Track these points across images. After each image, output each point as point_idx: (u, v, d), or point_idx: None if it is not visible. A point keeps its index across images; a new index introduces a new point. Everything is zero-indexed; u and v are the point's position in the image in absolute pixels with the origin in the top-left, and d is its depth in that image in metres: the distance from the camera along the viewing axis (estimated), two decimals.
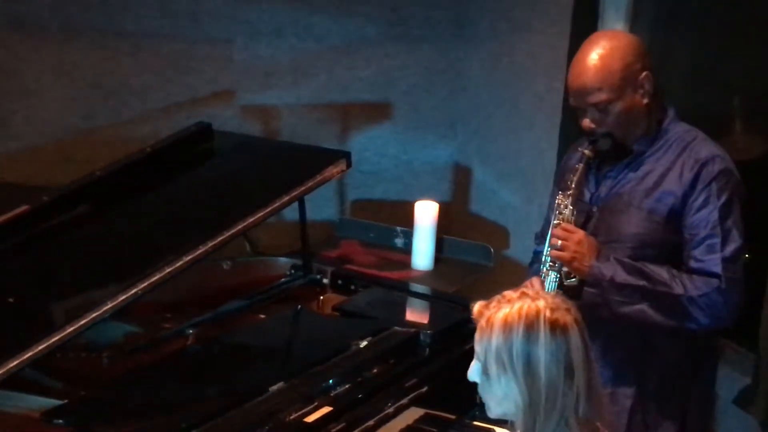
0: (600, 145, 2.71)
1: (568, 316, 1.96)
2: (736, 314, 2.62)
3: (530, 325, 1.93)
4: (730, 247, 2.59)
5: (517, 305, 1.96)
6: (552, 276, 2.69)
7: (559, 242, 2.66)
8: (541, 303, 1.96)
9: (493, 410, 2.03)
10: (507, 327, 1.93)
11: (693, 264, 2.61)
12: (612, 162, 2.76)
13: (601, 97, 2.63)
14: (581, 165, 2.72)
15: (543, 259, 2.73)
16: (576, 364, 1.94)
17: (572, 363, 1.93)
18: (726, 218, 2.59)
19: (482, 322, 1.98)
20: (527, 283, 2.76)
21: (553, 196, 2.81)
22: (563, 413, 1.94)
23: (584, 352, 1.96)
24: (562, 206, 2.72)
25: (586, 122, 2.69)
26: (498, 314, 1.96)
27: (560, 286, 2.68)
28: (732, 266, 2.58)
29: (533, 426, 1.95)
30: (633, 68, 2.64)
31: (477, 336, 2.00)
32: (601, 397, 2.03)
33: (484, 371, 1.98)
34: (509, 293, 2.01)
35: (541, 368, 1.91)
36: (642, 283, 2.60)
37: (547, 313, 1.94)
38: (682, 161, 2.65)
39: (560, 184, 2.81)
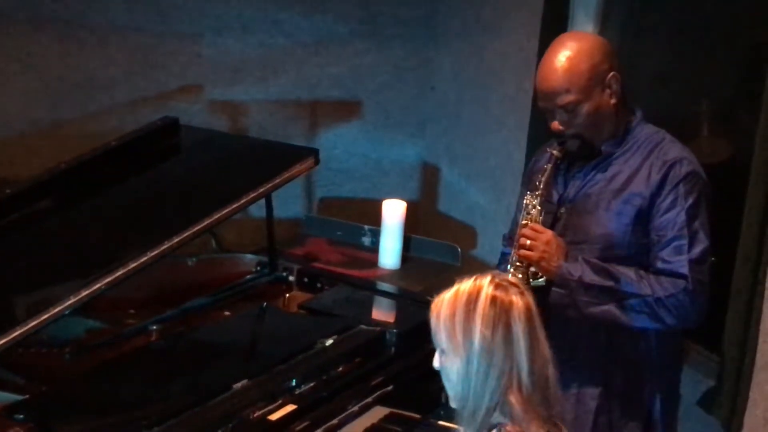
0: (568, 146, 2.71)
1: (515, 296, 2.03)
2: (702, 315, 2.64)
3: (471, 298, 2.03)
4: (697, 249, 2.60)
5: (463, 285, 2.06)
6: (519, 274, 2.69)
7: (528, 242, 2.66)
8: (486, 281, 2.05)
9: (449, 391, 2.09)
10: (452, 301, 2.05)
11: (660, 265, 2.62)
12: (580, 163, 2.76)
13: (569, 98, 2.63)
14: (549, 165, 2.72)
15: (510, 259, 2.73)
16: (517, 338, 2.00)
17: (511, 336, 2.00)
18: (693, 220, 2.60)
19: (432, 305, 2.09)
20: None
21: (521, 198, 2.82)
22: (499, 385, 1.99)
23: (529, 333, 2.02)
24: (530, 206, 2.72)
25: (555, 124, 2.69)
26: (446, 295, 2.07)
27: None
28: (699, 267, 2.59)
29: (468, 393, 2.01)
30: (600, 69, 2.64)
31: (430, 318, 2.09)
32: (556, 393, 2.08)
33: (439, 351, 2.07)
34: (463, 280, 2.11)
35: (477, 332, 1.99)
36: (609, 283, 2.60)
37: (490, 290, 2.03)
38: (650, 163, 2.66)
39: (528, 186, 2.81)
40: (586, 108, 2.65)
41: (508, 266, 2.74)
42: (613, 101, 2.67)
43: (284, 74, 4.27)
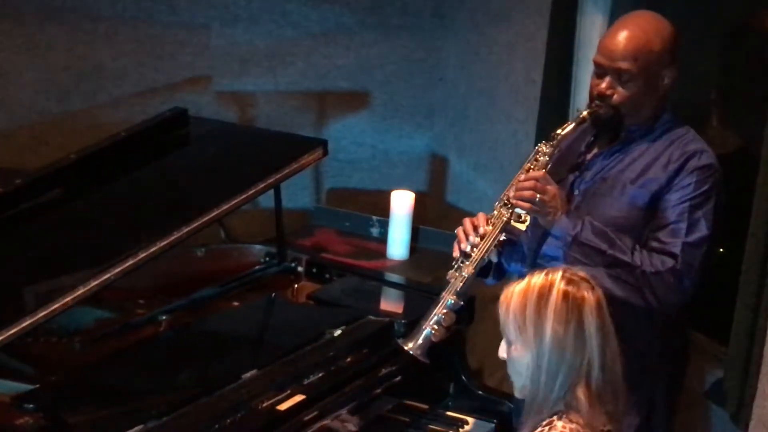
0: (601, 113, 2.68)
1: (586, 291, 2.06)
2: (685, 299, 2.63)
3: (542, 292, 2.05)
4: (694, 235, 2.59)
5: (534, 278, 2.09)
6: (504, 212, 2.65)
7: (537, 197, 2.61)
8: (558, 275, 2.07)
9: (515, 383, 2.13)
10: (523, 294, 2.07)
11: (654, 244, 2.62)
12: (602, 138, 2.75)
13: (630, 66, 2.61)
14: (573, 124, 2.70)
15: (501, 197, 2.68)
16: (589, 332, 2.03)
17: (583, 330, 2.03)
18: (697, 209, 2.60)
19: (502, 296, 2.11)
20: (473, 217, 2.70)
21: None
22: (569, 379, 2.02)
23: (601, 328, 2.05)
24: (540, 153, 2.69)
25: (601, 86, 2.66)
26: (517, 287, 2.10)
27: (505, 226, 2.64)
28: (692, 251, 2.59)
29: (538, 386, 2.04)
30: (668, 57, 2.65)
31: (500, 310, 2.12)
32: (622, 386, 2.13)
33: (507, 342, 2.10)
34: (534, 273, 2.14)
35: (548, 327, 2.02)
36: (603, 246, 2.60)
37: (561, 285, 2.06)
38: (670, 152, 2.67)
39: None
40: (638, 84, 2.63)
41: (496, 203, 2.69)
42: (661, 91, 2.67)
43: (292, 65, 4.27)
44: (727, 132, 3.23)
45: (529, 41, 3.85)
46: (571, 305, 2.04)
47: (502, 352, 2.13)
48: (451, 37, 4.43)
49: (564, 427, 2.02)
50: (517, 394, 2.16)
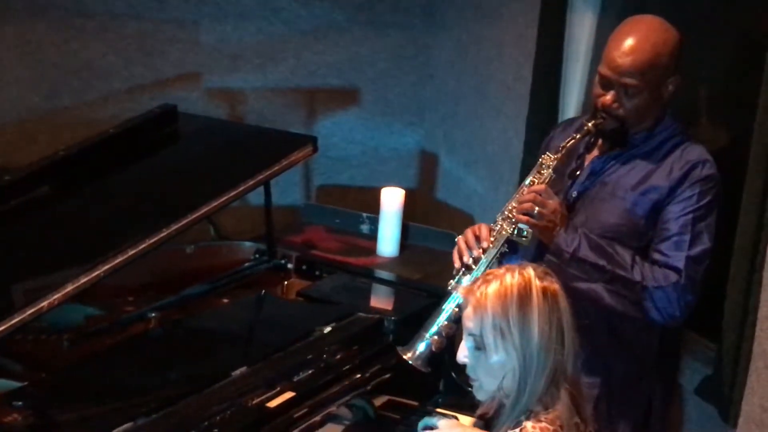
0: (606, 125, 2.67)
1: (555, 284, 2.05)
2: (687, 314, 2.62)
3: (523, 293, 2.01)
4: (698, 248, 2.59)
5: (507, 278, 2.04)
6: (505, 226, 2.65)
7: (536, 209, 2.61)
8: (530, 272, 2.04)
9: (485, 386, 2.09)
10: (501, 297, 2.01)
11: (657, 256, 2.61)
12: (604, 149, 2.74)
13: (636, 82, 2.59)
14: (578, 135, 2.68)
15: (502, 211, 2.68)
16: (566, 325, 2.03)
17: (562, 325, 2.02)
18: (700, 221, 2.60)
19: (473, 300, 2.04)
20: (475, 227, 2.70)
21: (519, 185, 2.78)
22: (554, 373, 2.01)
23: (570, 319, 2.05)
24: (544, 166, 2.68)
25: (607, 100, 2.65)
26: (490, 288, 2.03)
27: (507, 240, 2.64)
28: (695, 266, 2.59)
29: (524, 388, 2.01)
30: (671, 67, 2.63)
31: (469, 313, 2.06)
32: (581, 383, 2.15)
33: (478, 346, 2.05)
34: (494, 271, 2.10)
35: (535, 329, 1.99)
36: (602, 262, 2.59)
37: (537, 282, 2.03)
38: (672, 160, 2.65)
39: (549, 149, 2.76)
40: (643, 97, 2.62)
41: (498, 215, 2.69)
42: (665, 99, 2.66)
43: (282, 62, 4.27)
44: (715, 129, 3.24)
45: (519, 38, 3.85)
46: (551, 301, 2.02)
47: (464, 356, 2.09)
48: (442, 35, 4.43)
49: (534, 428, 1.99)
50: (482, 397, 2.13)
